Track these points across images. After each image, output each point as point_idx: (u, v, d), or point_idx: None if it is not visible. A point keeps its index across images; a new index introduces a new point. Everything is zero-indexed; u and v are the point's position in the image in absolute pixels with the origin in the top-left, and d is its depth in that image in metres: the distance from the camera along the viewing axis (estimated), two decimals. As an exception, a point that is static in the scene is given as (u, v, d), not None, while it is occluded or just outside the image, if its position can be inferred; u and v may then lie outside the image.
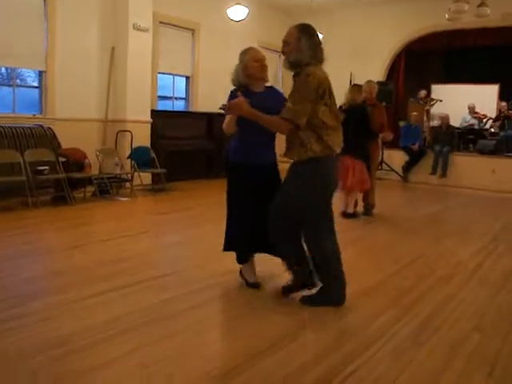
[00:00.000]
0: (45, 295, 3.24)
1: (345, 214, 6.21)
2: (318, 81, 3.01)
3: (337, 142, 3.15)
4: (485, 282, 3.96)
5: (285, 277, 3.41)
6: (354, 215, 6.30)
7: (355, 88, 6.31)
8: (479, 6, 7.96)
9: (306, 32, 3.10)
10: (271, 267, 3.63)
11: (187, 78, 9.83)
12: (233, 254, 3.53)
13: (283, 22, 12.41)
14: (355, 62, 11.60)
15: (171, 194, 7.63)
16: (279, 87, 12.40)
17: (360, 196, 6.46)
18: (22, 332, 2.68)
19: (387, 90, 10.66)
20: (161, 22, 8.86)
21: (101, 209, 6.43)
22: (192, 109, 9.88)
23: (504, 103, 11.53)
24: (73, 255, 4.20)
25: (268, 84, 3.50)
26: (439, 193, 9.52)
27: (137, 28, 7.88)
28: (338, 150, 3.17)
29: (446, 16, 8.65)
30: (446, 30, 10.90)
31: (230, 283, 3.61)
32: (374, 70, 11.35)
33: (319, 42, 3.15)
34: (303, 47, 3.06)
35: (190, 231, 5.36)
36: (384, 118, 6.43)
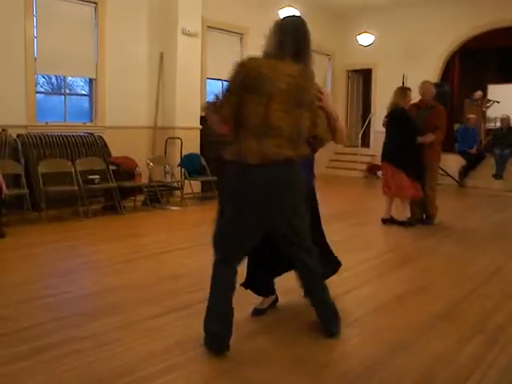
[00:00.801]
0: (102, 315, 3.04)
1: (382, 220, 6.07)
2: (247, 69, 2.52)
3: (253, 149, 2.45)
4: None
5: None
6: (390, 221, 6.02)
7: (398, 91, 5.99)
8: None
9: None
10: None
11: (235, 83, 9.64)
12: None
13: (334, 25, 12.16)
14: (408, 63, 11.15)
15: (220, 203, 7.40)
16: (328, 90, 12.24)
17: (406, 204, 6.02)
18: (81, 358, 2.48)
19: (442, 92, 10.13)
20: (209, 27, 8.71)
21: (152, 219, 6.28)
22: (240, 115, 9.68)
23: None
24: (127, 270, 4.01)
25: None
26: (501, 199, 8.96)
27: (186, 33, 7.73)
28: (253, 161, 2.44)
29: None
30: (503, 28, 10.35)
31: (294, 302, 3.33)
32: (427, 70, 10.86)
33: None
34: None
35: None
36: (440, 121, 5.91)
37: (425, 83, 6.20)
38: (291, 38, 2.62)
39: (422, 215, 6.13)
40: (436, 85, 10.37)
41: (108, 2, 7.26)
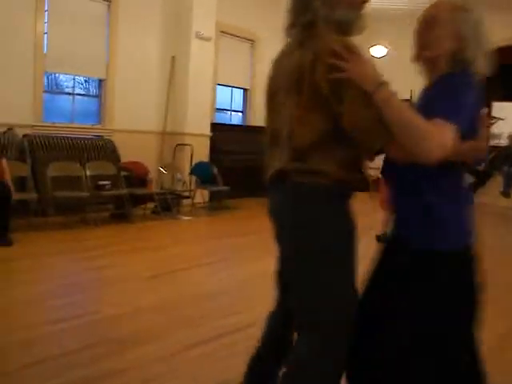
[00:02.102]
0: (138, 342, 2.72)
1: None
2: None
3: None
4: None
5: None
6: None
7: None
8: None
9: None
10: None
11: (245, 90, 9.37)
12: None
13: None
14: (416, 78, 10.95)
15: (234, 214, 7.12)
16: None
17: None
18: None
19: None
20: (221, 32, 8.43)
21: (164, 229, 5.94)
22: (249, 123, 9.41)
23: None
24: (154, 287, 3.69)
25: None
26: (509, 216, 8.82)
27: (199, 37, 7.44)
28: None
29: None
30: (507, 45, 10.24)
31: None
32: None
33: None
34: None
35: (272, 259, 4.78)
36: None
37: None
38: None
39: None
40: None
41: (121, 1, 6.95)
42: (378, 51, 10.43)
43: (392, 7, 10.06)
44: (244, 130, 9.08)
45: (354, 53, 1.46)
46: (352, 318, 1.58)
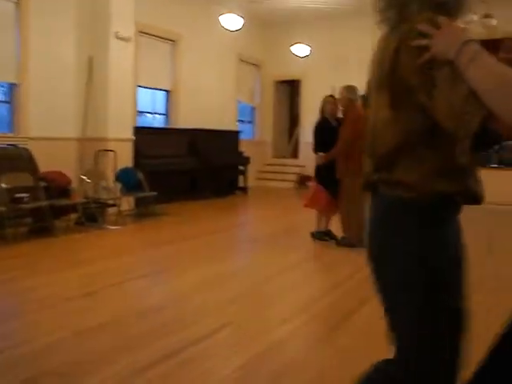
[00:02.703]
0: (81, 372, 2.45)
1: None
2: None
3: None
4: None
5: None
6: (314, 235, 5.64)
7: (324, 99, 5.69)
8: (485, 17, 7.75)
9: None
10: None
11: (167, 92, 9.10)
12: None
13: (263, 35, 11.98)
14: (337, 75, 11.22)
15: (163, 220, 6.85)
16: (256, 101, 12.04)
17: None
18: None
19: (373, 104, 10.34)
20: (140, 32, 8.12)
21: (92, 241, 5.58)
22: (172, 125, 9.15)
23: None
24: (91, 306, 3.39)
25: None
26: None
27: (119, 37, 7.09)
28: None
29: None
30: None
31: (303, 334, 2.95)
32: (356, 83, 10.95)
33: None
34: None
35: (213, 266, 4.61)
36: (344, 129, 5.23)
37: (340, 88, 5.68)
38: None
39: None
40: (364, 97, 10.60)
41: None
42: (300, 50, 10.53)
43: (313, 6, 10.20)
44: (168, 133, 8.82)
45: (442, 27, 1.19)
46: None
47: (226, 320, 3.15)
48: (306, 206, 5.74)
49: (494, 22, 7.82)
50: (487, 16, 7.76)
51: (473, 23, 7.33)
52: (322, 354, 2.73)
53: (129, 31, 7.30)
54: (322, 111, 5.65)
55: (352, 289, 3.97)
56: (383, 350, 2.82)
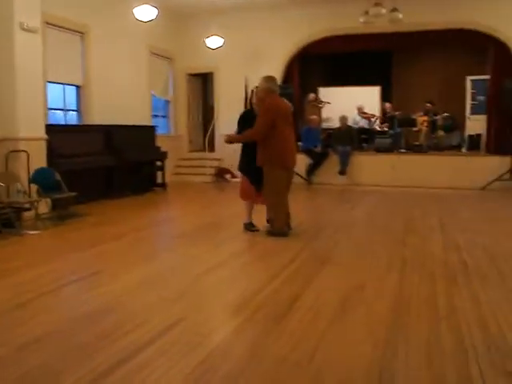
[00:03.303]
0: (32, 385, 2.31)
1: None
2: None
3: None
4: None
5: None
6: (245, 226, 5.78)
7: (252, 90, 5.98)
8: (392, 11, 8.15)
9: None
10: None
11: (78, 87, 8.68)
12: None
13: (175, 27, 11.74)
14: (251, 67, 11.36)
15: (84, 221, 6.56)
16: (170, 94, 11.83)
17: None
18: None
19: (287, 94, 10.48)
20: (47, 23, 7.66)
21: (11, 248, 5.20)
22: (86, 122, 8.76)
23: (389, 104, 12.12)
24: (28, 317, 3.16)
25: None
26: (352, 192, 9.62)
27: (24, 28, 6.64)
28: None
29: (361, 19, 8.76)
30: (334, 36, 11.13)
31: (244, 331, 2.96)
32: (269, 73, 11.15)
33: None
34: None
35: (147, 265, 4.49)
36: (258, 118, 5.33)
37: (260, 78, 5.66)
38: None
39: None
40: (281, 87, 10.78)
41: None
42: (213, 42, 10.49)
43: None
44: (82, 130, 8.45)
45: None
46: None
47: (177, 317, 3.10)
48: (241, 198, 5.77)
49: (400, 15, 8.26)
50: (394, 10, 8.18)
51: (380, 17, 7.70)
52: (274, 341, 2.77)
53: (35, 22, 6.86)
54: (251, 102, 5.73)
55: (291, 276, 4.04)
56: (332, 328, 2.91)
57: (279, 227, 5.41)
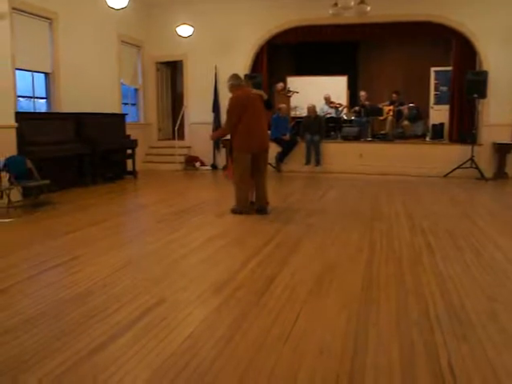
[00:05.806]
0: (30, 366, 2.41)
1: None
2: None
3: None
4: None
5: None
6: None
7: None
8: (360, 3, 8.35)
9: None
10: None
11: (47, 74, 8.60)
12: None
13: (145, 15, 11.67)
14: (220, 55, 11.44)
15: (57, 209, 6.57)
16: (139, 82, 11.78)
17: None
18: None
19: (256, 83, 10.64)
20: (14, 9, 7.56)
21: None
22: (55, 109, 8.69)
23: (363, 92, 12.32)
24: (9, 304, 3.22)
25: None
26: (321, 179, 9.87)
27: (-8, 14, 6.58)
28: None
29: (330, 11, 8.93)
30: (303, 26, 11.29)
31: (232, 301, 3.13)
32: (238, 63, 11.29)
33: None
34: None
35: (127, 249, 4.60)
36: (226, 119, 6.17)
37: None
38: None
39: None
40: (250, 76, 10.91)
41: None
42: (184, 31, 10.51)
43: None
44: (52, 118, 8.38)
45: None
46: None
47: (160, 296, 3.24)
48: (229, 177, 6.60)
49: (368, 8, 8.47)
50: (362, 2, 8.39)
51: (349, 9, 7.90)
52: (256, 317, 2.94)
53: (3, 7, 6.80)
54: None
55: (268, 257, 4.23)
56: (309, 304, 3.13)
57: (242, 205, 6.08)
